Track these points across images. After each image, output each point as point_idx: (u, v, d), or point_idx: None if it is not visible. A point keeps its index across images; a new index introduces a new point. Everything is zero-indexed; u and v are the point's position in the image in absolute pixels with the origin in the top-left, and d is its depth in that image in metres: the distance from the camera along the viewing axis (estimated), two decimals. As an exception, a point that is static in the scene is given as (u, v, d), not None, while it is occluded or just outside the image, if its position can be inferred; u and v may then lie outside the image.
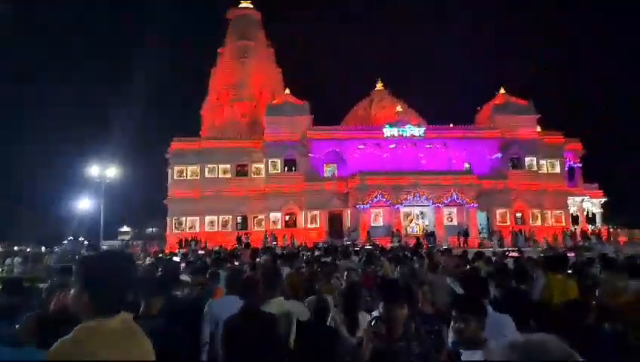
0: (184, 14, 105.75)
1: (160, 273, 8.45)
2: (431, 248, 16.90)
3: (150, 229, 73.38)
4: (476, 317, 3.00)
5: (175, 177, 41.57)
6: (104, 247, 37.20)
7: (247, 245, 24.77)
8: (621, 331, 3.75)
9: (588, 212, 41.76)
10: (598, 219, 41.89)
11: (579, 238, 32.62)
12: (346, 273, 6.59)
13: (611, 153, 60.96)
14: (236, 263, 10.33)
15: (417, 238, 29.99)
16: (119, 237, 64.04)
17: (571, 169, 42.56)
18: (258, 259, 11.62)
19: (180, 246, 33.27)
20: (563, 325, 3.45)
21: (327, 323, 4.35)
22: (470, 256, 10.36)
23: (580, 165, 42.97)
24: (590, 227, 39.65)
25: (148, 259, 24.65)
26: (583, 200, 40.65)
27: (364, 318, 4.27)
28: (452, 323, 3.09)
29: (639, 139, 75.27)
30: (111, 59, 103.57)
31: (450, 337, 3.26)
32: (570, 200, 40.41)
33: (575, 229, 37.01)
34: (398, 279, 4.65)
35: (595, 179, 43.78)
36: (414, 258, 10.71)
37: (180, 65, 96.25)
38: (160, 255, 24.13)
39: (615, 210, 44.88)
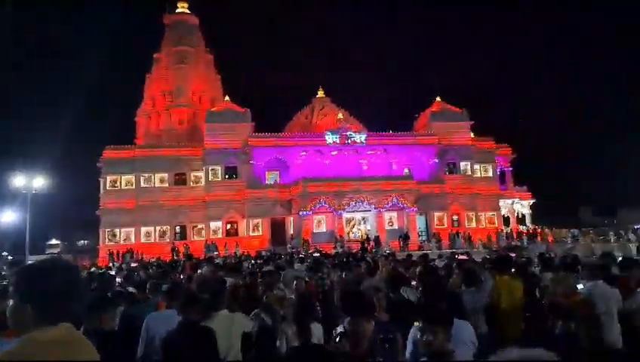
0: (118, 19, 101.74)
1: (94, 288, 7.89)
2: (375, 253, 16.96)
3: (82, 242, 69.85)
4: (444, 328, 2.85)
5: (108, 187, 39.65)
6: (29, 262, 34.80)
7: (189, 256, 24.05)
8: (573, 330, 3.77)
9: (518, 213, 43.93)
10: (527, 219, 44.18)
11: (512, 238, 34.13)
12: (294, 282, 6.35)
13: (538, 157, 64.60)
14: (181, 276, 9.84)
15: (362, 243, 30.26)
16: (47, 251, 60.47)
17: (502, 173, 44.65)
18: (199, 271, 11.17)
19: (111, 260, 31.74)
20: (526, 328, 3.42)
21: (277, 335, 4.17)
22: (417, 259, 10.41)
23: (511, 169, 45.24)
24: (522, 227, 41.70)
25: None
26: (513, 203, 42.75)
27: (317, 329, 4.08)
28: (415, 335, 2.93)
29: (562, 143, 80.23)
30: (39, 63, 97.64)
31: (409, 348, 3.12)
32: (502, 202, 42.38)
33: (507, 230, 38.77)
34: (362, 290, 4.47)
35: (524, 181, 46.27)
36: (360, 263, 10.65)
37: (113, 71, 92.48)
38: (92, 269, 22.80)
39: (542, 211, 47.62)
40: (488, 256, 11.08)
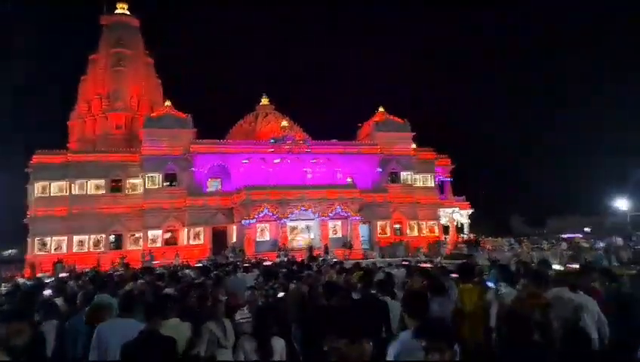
0: (51, 17, 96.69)
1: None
2: (322, 261, 16.84)
3: (8, 251, 65.41)
4: (449, 343, 2.60)
5: (38, 194, 37.31)
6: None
7: (127, 266, 22.96)
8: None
9: (457, 222, 45.42)
10: (465, 228, 45.76)
11: (455, 246, 35.09)
12: (247, 292, 6.08)
13: (475, 167, 67.20)
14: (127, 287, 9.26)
15: (310, 249, 30.08)
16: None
17: (442, 183, 46.06)
18: (140, 281, 10.61)
19: (32, 271, 29.86)
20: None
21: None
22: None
23: (450, 179, 46.77)
24: (462, 236, 43.18)
25: (3, 285, 21.62)
26: (453, 212, 44.16)
27: (279, 344, 3.87)
28: (410, 352, 2.71)
29: (499, 154, 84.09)
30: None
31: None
32: (442, 211, 43.66)
33: (446, 239, 39.98)
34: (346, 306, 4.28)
35: (462, 191, 47.91)
36: (309, 272, 10.49)
37: (44, 71, 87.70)
38: (20, 280, 21.26)
39: (477, 220, 49.52)
40: (431, 265, 11.16)
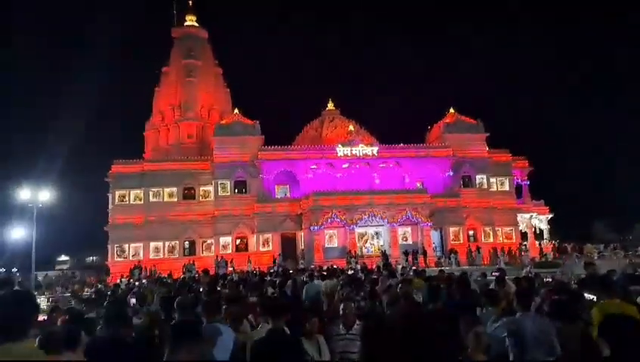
0: (126, 31, 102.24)
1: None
2: (402, 269, 15.93)
3: (91, 258, 69.27)
4: None
5: (116, 202, 39.01)
6: (40, 278, 34.15)
7: (206, 272, 23.12)
8: None
9: (536, 228, 42.64)
10: (545, 234, 42.84)
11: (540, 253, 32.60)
12: (341, 306, 5.43)
13: (555, 170, 63.35)
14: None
15: (384, 255, 29.09)
16: (57, 267, 60.03)
17: (519, 186, 43.46)
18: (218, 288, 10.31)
19: (131, 275, 30.88)
20: None
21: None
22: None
23: (527, 182, 44.06)
24: (542, 242, 40.39)
25: (87, 289, 22.40)
26: (531, 217, 41.48)
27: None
28: None
29: (580, 155, 79.04)
30: (46, 75, 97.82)
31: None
32: (519, 217, 41.13)
33: (526, 245, 37.46)
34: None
35: (540, 195, 45.00)
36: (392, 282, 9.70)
37: (121, 85, 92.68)
38: (100, 286, 22.00)
39: (557, 226, 46.21)
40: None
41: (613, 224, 70.54)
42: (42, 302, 20.88)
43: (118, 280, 27.21)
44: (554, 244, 38.41)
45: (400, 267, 18.36)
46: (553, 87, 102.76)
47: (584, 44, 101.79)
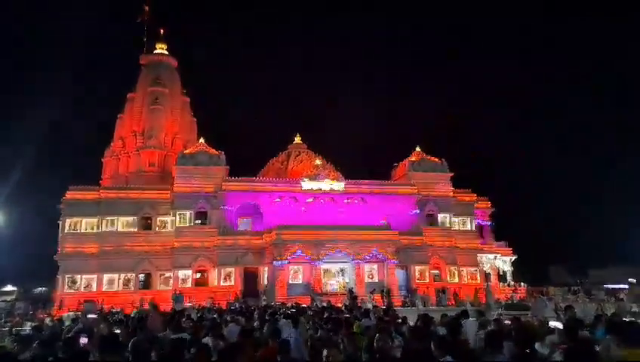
0: (90, 56, 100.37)
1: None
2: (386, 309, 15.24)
3: (39, 289, 65.30)
4: None
5: (68, 230, 36.92)
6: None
7: (155, 307, 21.61)
8: None
9: (499, 269, 42.90)
10: (508, 276, 43.15)
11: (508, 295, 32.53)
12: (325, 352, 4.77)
13: (516, 212, 64.65)
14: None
15: (351, 292, 28.34)
16: (0, 298, 56.18)
17: (480, 227, 43.89)
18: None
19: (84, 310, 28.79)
20: None
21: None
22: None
23: (490, 223, 44.61)
24: (501, 284, 40.59)
25: (29, 324, 20.67)
26: (495, 258, 41.77)
27: None
28: None
29: (539, 200, 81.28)
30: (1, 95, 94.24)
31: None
32: (483, 257, 41.34)
33: (489, 286, 37.47)
34: None
35: (501, 236, 45.52)
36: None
37: (80, 110, 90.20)
38: (48, 321, 20.21)
39: (520, 268, 46.67)
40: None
41: (568, 268, 72.37)
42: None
43: (65, 315, 25.37)
44: (525, 287, 38.41)
45: (371, 306, 17.67)
46: (516, 129, 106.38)
47: (548, 83, 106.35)
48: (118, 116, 47.19)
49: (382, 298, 29.25)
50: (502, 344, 4.99)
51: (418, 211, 39.50)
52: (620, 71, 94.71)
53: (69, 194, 37.42)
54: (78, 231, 36.98)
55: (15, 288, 65.70)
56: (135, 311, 23.37)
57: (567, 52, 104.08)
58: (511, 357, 4.72)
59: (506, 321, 9.57)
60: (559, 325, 7.90)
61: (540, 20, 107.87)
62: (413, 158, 42.32)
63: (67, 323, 13.93)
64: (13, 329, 16.66)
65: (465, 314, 9.74)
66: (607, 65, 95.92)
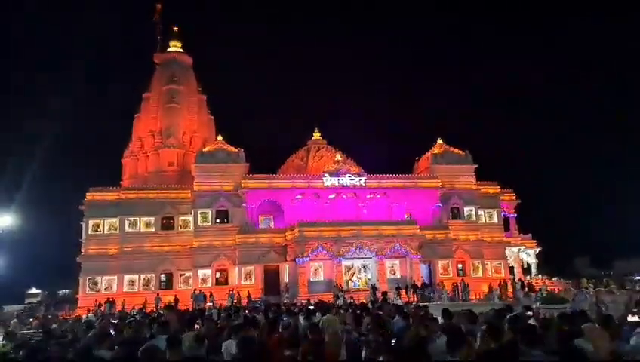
0: (105, 57, 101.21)
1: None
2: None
3: (63, 291, 66.18)
4: None
5: (90, 231, 37.03)
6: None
7: (170, 307, 21.20)
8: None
9: (524, 262, 41.76)
10: (533, 269, 41.98)
11: (534, 288, 31.55)
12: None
13: (541, 204, 63.21)
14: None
15: (374, 288, 27.80)
16: (27, 301, 57.03)
17: (505, 219, 42.74)
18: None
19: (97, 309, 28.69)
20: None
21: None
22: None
23: (515, 215, 43.42)
24: (528, 277, 39.44)
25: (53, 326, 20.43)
26: (519, 251, 40.63)
27: None
28: None
29: (564, 190, 79.47)
30: (20, 98, 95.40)
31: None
32: (507, 250, 40.24)
33: (522, 280, 36.35)
34: None
35: (526, 229, 44.35)
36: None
37: (99, 110, 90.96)
38: (54, 326, 19.85)
39: (545, 260, 45.47)
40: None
41: (592, 260, 70.66)
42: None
43: (84, 316, 25.23)
44: (555, 280, 37.04)
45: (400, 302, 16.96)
46: (541, 121, 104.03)
47: (575, 74, 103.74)
48: (135, 116, 47.14)
49: (407, 293, 28.45)
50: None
51: (442, 205, 38.53)
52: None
53: (90, 196, 37.48)
54: (100, 232, 37.01)
55: (40, 291, 66.70)
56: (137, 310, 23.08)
57: (587, 40, 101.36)
58: None
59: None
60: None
61: None
62: (436, 151, 41.29)
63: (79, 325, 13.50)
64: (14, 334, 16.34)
65: (509, 309, 9.04)
66: None
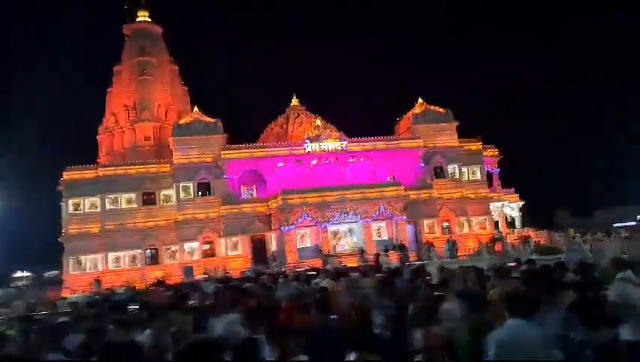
0: (75, 30, 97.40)
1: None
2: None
3: (49, 273, 65.53)
4: None
5: (70, 211, 36.26)
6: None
7: (161, 282, 20.97)
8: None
9: (508, 216, 42.32)
10: (517, 223, 42.57)
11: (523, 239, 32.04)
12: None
13: (521, 158, 63.74)
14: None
15: (362, 251, 27.89)
16: (12, 284, 56.39)
17: (489, 175, 42.99)
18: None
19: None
20: None
21: None
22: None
23: (498, 170, 43.70)
24: (512, 230, 40.03)
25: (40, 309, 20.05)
26: (503, 205, 41.09)
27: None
28: None
29: (547, 142, 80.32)
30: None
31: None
32: (491, 205, 40.65)
33: (501, 234, 36.90)
34: None
35: (510, 183, 44.75)
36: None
37: (68, 86, 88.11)
38: (57, 304, 19.54)
39: (527, 214, 46.08)
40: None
41: (574, 211, 72.14)
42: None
43: (72, 296, 24.90)
44: (542, 232, 37.47)
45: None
46: (519, 70, 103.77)
47: (556, 26, 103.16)
48: (108, 90, 45.65)
49: (397, 254, 28.60)
50: None
51: (425, 164, 38.52)
52: None
53: (67, 175, 36.56)
54: (81, 211, 36.29)
55: (25, 273, 65.91)
56: (123, 289, 22.70)
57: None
58: None
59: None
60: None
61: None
62: (417, 110, 40.93)
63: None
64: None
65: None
66: None
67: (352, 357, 3.70)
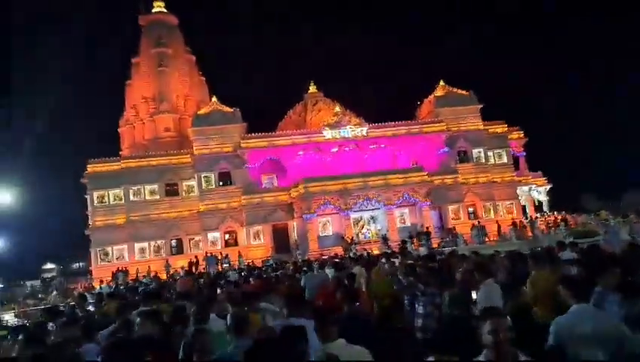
0: (92, 23, 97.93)
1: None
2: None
3: (77, 264, 66.94)
4: None
5: (95, 203, 36.71)
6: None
7: (189, 272, 20.98)
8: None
9: (535, 200, 41.21)
10: (545, 206, 41.44)
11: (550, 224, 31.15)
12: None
13: (548, 140, 62.15)
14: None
15: (385, 238, 27.58)
16: (42, 276, 57.85)
17: (515, 158, 41.84)
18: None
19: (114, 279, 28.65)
20: None
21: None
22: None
23: (524, 154, 42.53)
24: (538, 215, 38.88)
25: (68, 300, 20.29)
26: (530, 189, 39.99)
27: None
28: None
29: (574, 124, 78.05)
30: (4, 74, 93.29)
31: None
32: (518, 189, 39.62)
33: (531, 217, 35.77)
34: None
35: (535, 167, 43.53)
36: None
37: (92, 80, 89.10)
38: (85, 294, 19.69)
39: (555, 197, 44.83)
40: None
41: (601, 194, 69.94)
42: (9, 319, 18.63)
43: (98, 287, 25.14)
44: (576, 216, 36.25)
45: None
46: (544, 53, 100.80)
47: (580, 9, 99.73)
48: (127, 83, 45.81)
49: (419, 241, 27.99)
50: None
51: (448, 149, 37.66)
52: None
53: (90, 168, 36.98)
54: (106, 203, 36.71)
55: (54, 266, 67.46)
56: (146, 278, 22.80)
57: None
58: None
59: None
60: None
61: None
62: (439, 93, 39.88)
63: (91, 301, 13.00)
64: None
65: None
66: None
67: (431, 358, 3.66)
